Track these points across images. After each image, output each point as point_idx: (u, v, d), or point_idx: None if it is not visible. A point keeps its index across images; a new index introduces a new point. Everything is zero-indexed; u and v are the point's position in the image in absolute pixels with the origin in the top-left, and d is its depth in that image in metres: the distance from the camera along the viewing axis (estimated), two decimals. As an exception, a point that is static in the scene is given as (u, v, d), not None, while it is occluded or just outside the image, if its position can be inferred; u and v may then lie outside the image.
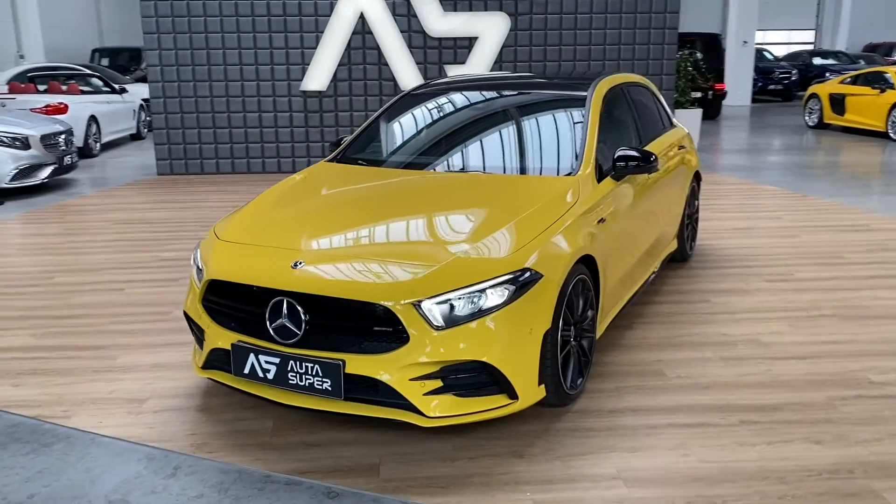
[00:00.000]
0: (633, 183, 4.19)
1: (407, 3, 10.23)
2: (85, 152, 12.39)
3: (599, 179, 3.86)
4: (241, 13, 10.13)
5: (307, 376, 2.96)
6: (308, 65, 10.26)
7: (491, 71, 10.36)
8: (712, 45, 18.50)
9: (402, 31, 10.30)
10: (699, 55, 17.89)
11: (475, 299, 2.93)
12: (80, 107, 12.32)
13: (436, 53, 10.47)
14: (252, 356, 3.07)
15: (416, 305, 2.86)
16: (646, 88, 5.34)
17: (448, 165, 4.08)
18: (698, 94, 17.72)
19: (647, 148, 4.67)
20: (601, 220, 3.68)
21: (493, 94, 4.67)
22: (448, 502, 2.74)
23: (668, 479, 2.87)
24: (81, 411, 3.47)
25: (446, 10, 10.30)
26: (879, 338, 4.25)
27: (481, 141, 4.33)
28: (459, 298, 2.91)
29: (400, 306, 2.85)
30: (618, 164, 3.94)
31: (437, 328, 2.88)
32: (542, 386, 3.15)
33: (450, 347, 2.89)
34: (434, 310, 2.88)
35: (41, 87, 12.99)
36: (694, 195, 5.78)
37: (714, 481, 2.85)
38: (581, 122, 4.06)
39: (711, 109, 18.56)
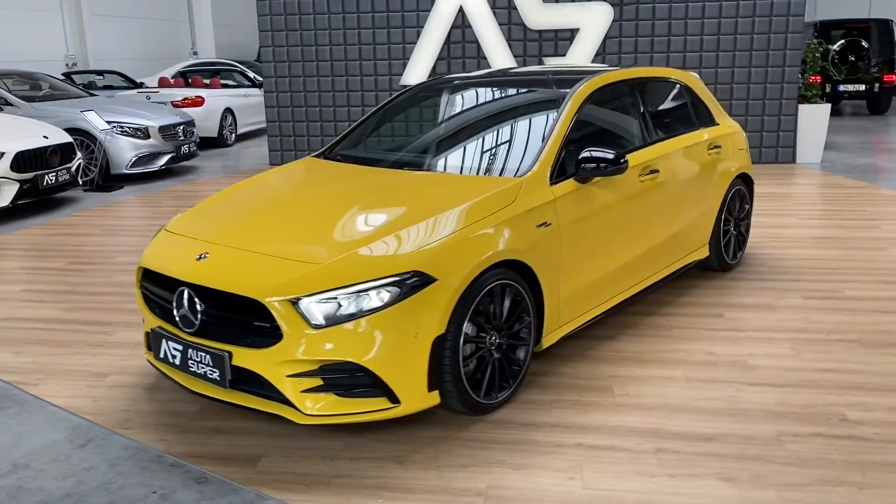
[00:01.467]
0: (612, 185, 3.94)
1: (507, -5, 10.14)
2: (219, 142, 13.42)
3: (557, 181, 3.67)
4: (348, 10, 10.50)
5: (202, 365, 3.09)
6: (408, 60, 10.45)
7: (592, 63, 10.03)
8: (882, 32, 16.68)
9: (501, 25, 10.22)
10: (865, 44, 16.28)
11: (357, 300, 2.91)
12: (216, 100, 13.32)
13: (536, 46, 10.29)
14: (164, 342, 3.24)
15: (294, 303, 2.89)
16: (673, 83, 4.98)
17: (409, 164, 4.04)
18: (861, 87, 16.20)
19: (653, 148, 4.38)
20: (544, 224, 3.50)
21: (480, 92, 4.54)
22: (300, 500, 2.76)
23: (533, 500, 2.71)
24: (51, 380, 3.82)
25: (546, 2, 10.09)
26: (892, 370, 3.72)
27: (449, 140, 4.26)
28: (341, 298, 2.90)
29: (276, 303, 2.89)
30: (582, 166, 3.72)
31: (316, 326, 2.89)
32: (436, 392, 3.07)
33: (327, 346, 2.89)
34: (313, 308, 2.90)
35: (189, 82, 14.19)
36: (740, 199, 5.31)
37: (582, 510, 2.66)
38: (551, 122, 3.87)
39: (878, 104, 16.79)
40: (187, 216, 3.75)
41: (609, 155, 3.72)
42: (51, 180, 7.88)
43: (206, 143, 13.31)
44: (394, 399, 2.97)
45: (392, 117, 4.65)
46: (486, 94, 4.52)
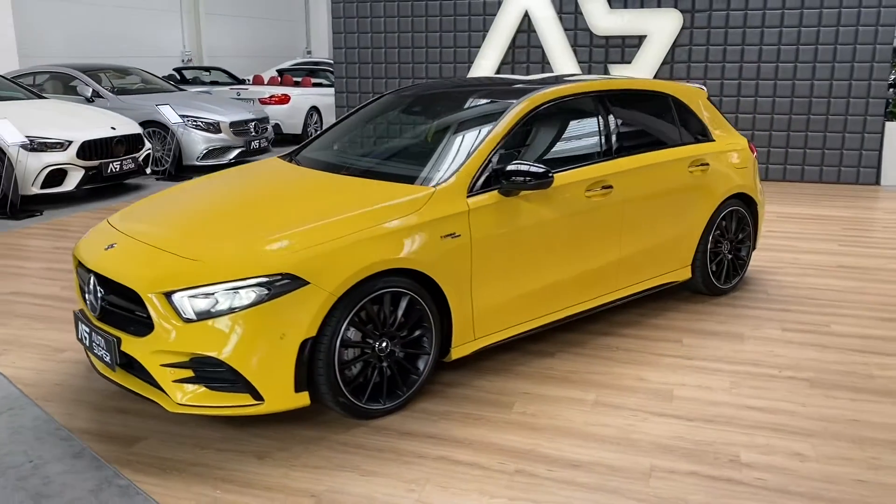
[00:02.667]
0: (548, 199, 3.86)
1: (574, 0, 9.97)
2: (304, 139, 13.94)
3: (479, 193, 3.63)
4: (416, 13, 10.67)
5: (100, 347, 3.30)
6: (470, 64, 10.49)
7: (654, 75, 9.72)
8: None
9: (567, 30, 10.07)
10: None
11: (227, 297, 3.02)
12: (303, 98, 13.86)
13: (602, 52, 10.07)
14: (80, 324, 3.49)
15: (168, 296, 3.05)
16: (657, 96, 4.77)
17: (346, 168, 4.07)
18: None
19: (608, 164, 4.22)
20: (452, 235, 3.49)
21: (437, 102, 4.54)
22: (148, 482, 2.90)
23: (359, 509, 2.74)
24: (15, 352, 4.17)
25: (613, 8, 9.84)
26: (825, 414, 3.44)
27: (390, 148, 4.30)
28: (210, 295, 3.03)
29: (152, 295, 3.06)
30: (504, 179, 3.67)
31: (187, 320, 3.03)
32: (305, 394, 3.13)
33: (195, 340, 3.02)
34: (185, 302, 3.04)
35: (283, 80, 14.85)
36: (738, 221, 5.02)
37: (402, 523, 2.66)
38: (483, 135, 3.84)
39: None
40: (130, 210, 4.00)
41: (534, 168, 3.65)
42: (115, 168, 8.50)
43: (292, 140, 13.88)
44: (257, 396, 3.06)
45: (361, 123, 4.73)
46: (441, 103, 4.51)
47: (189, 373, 3.07)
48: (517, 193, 3.75)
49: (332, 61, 17.71)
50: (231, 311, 3.01)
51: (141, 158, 8.96)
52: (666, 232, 4.57)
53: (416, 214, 3.43)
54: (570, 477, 2.94)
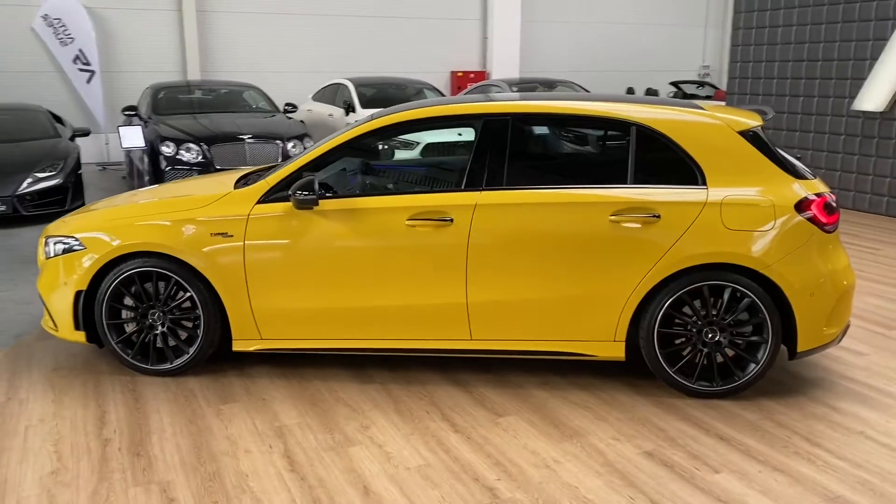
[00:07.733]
0: (355, 219, 3.74)
1: None
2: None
3: (272, 202, 3.82)
4: (814, 20, 8.99)
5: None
6: (865, 79, 8.37)
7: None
8: None
9: None
10: None
11: (56, 247, 4.13)
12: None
13: None
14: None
15: (46, 240, 4.31)
16: (598, 122, 3.78)
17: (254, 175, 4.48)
18: None
19: (456, 195, 3.72)
20: (223, 234, 3.81)
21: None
22: (-6, 361, 4.26)
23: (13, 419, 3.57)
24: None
25: None
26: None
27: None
28: (54, 243, 4.17)
29: (42, 238, 4.36)
30: (293, 193, 3.75)
31: (48, 258, 4.25)
32: (83, 333, 4.02)
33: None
34: (50, 246, 4.25)
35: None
36: (735, 302, 3.59)
37: None
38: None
39: None
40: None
41: (313, 184, 3.70)
42: (455, 167, 9.87)
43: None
44: (56, 325, 4.10)
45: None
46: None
47: (49, 298, 4.30)
48: (310, 207, 3.77)
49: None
50: (51, 257, 4.11)
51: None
52: (558, 288, 3.67)
53: (198, 210, 3.89)
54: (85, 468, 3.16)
